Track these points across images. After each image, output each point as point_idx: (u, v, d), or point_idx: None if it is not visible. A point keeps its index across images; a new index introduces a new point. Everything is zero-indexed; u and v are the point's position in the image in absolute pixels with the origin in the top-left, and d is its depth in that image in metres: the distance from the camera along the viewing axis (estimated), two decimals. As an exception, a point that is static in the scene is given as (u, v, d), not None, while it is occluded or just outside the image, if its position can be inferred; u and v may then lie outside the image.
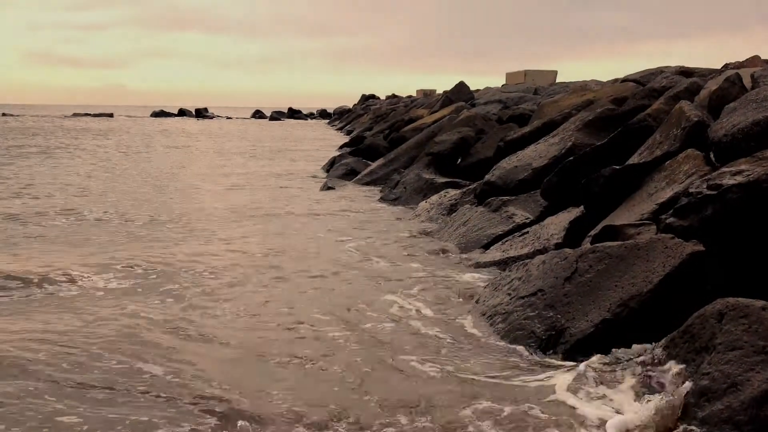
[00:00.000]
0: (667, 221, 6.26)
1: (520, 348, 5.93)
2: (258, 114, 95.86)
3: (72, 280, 8.03)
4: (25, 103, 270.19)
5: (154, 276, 8.41)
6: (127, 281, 8.15)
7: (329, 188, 17.16)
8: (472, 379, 5.36)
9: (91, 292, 7.67)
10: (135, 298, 7.46)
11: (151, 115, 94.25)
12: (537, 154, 11.43)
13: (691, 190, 6.19)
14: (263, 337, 6.33)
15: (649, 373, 4.87)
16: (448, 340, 6.24)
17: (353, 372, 5.49)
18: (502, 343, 6.10)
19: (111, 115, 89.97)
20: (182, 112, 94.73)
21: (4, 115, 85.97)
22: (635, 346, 5.34)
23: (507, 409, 4.78)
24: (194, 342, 6.17)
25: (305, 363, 5.69)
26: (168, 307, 7.14)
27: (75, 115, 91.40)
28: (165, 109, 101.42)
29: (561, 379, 5.20)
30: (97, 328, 6.37)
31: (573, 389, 5.01)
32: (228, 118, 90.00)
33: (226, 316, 6.94)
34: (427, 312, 7.08)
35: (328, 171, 22.29)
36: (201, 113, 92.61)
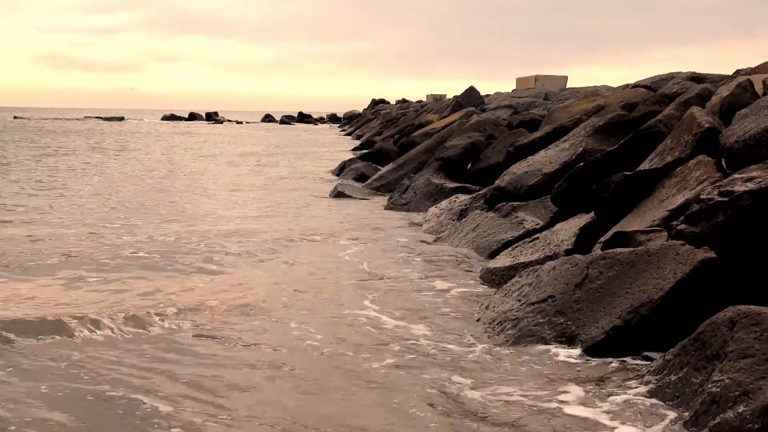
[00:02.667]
0: (678, 228, 6.24)
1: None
2: (268, 118, 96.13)
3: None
4: (35, 106, 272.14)
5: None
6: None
7: (339, 192, 17.17)
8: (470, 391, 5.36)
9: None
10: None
11: (162, 119, 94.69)
12: (547, 159, 11.41)
13: (702, 197, 6.18)
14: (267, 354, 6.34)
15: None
16: (457, 348, 6.21)
17: (362, 388, 5.46)
18: (510, 350, 6.08)
19: (122, 119, 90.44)
20: (192, 116, 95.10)
21: (15, 117, 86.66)
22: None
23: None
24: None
25: (312, 377, 5.69)
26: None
27: (86, 118, 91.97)
28: (175, 113, 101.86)
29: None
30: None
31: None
32: (238, 122, 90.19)
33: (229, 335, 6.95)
34: (436, 318, 7.06)
35: (338, 175, 22.33)
36: (211, 117, 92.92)
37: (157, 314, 6.90)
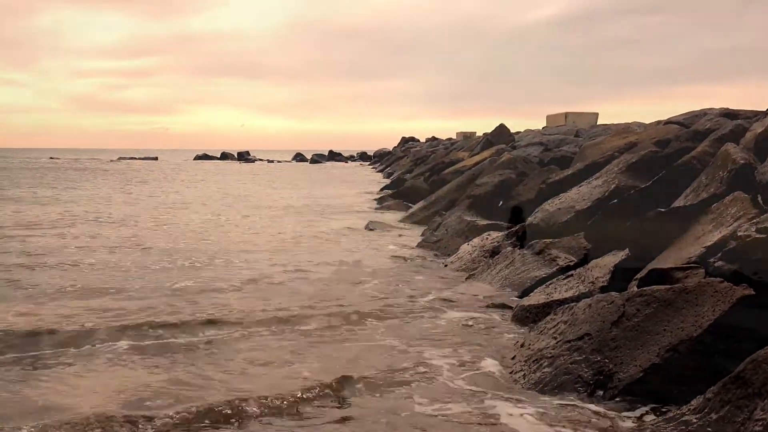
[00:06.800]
0: (716, 264, 6.20)
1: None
2: (299, 157, 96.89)
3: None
4: (69, 147, 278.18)
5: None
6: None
7: (371, 230, 17.26)
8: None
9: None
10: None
11: (195, 158, 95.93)
12: (580, 196, 11.40)
13: (739, 234, 6.15)
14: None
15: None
16: (492, 388, 6.19)
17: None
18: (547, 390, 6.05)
19: (156, 159, 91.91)
20: (225, 156, 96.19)
21: (51, 158, 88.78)
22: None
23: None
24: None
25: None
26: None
27: (120, 158, 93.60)
28: (208, 153, 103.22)
29: None
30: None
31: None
32: (270, 161, 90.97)
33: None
34: (470, 356, 7.06)
35: (378, 207, 22.47)
36: (243, 156, 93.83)
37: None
